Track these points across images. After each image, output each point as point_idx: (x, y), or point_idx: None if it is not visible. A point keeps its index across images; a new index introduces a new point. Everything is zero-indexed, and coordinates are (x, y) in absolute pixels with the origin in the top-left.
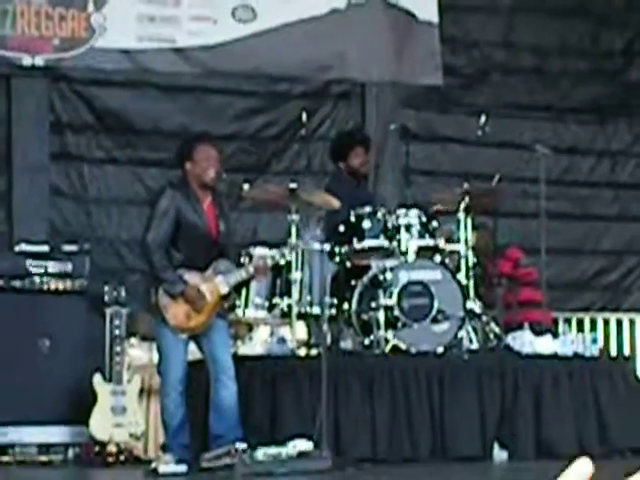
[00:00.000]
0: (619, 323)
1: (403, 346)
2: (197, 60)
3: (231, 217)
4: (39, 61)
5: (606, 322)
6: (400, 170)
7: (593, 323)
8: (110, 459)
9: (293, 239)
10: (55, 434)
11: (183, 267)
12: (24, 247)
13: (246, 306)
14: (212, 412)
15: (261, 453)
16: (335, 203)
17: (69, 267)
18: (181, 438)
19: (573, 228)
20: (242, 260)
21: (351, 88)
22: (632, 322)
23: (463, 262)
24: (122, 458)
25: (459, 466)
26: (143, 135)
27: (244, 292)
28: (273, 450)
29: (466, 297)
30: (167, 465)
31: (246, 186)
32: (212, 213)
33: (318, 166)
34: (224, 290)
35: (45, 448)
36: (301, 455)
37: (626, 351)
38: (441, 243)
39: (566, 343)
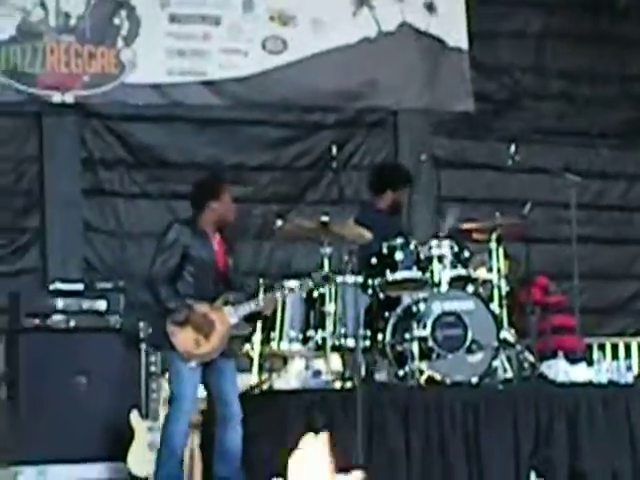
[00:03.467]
0: None
1: (438, 377)
2: (228, 92)
3: (238, 251)
4: (69, 98)
5: None
6: (433, 198)
7: (627, 348)
8: None
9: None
10: (94, 471)
11: (192, 299)
12: (59, 286)
13: (280, 339)
14: (218, 455)
15: None
16: (367, 235)
17: (104, 305)
18: (178, 469)
19: (606, 253)
20: (251, 292)
21: (383, 116)
22: None
23: (496, 291)
24: None
25: None
26: (175, 168)
27: (278, 325)
28: None
29: (499, 326)
30: None
31: (279, 222)
32: (221, 249)
33: (352, 195)
34: (233, 320)
35: None
36: None
37: None
38: (474, 273)
39: (601, 371)
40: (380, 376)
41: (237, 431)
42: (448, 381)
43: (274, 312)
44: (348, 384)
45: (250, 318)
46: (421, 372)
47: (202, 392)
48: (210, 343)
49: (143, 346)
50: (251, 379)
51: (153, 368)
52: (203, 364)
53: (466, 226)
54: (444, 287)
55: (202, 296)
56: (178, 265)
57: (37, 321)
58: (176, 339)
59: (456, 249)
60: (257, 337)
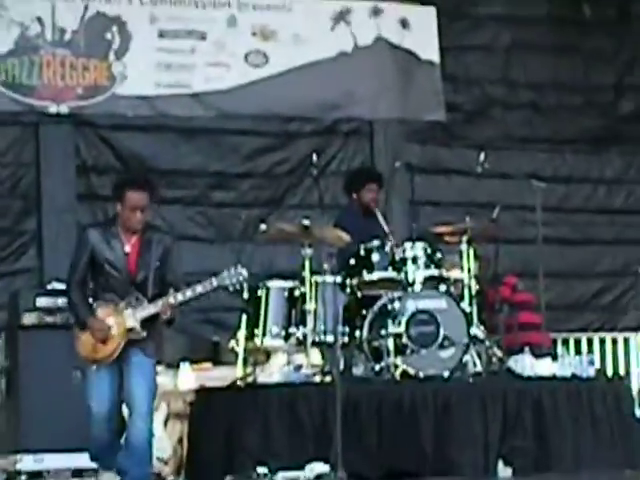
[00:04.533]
0: (614, 342)
1: (411, 371)
2: (212, 104)
3: (174, 253)
4: (64, 109)
5: (602, 341)
6: (407, 202)
7: (590, 343)
8: None
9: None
10: (87, 460)
11: (99, 300)
12: (55, 285)
13: (264, 335)
14: (124, 448)
15: (280, 477)
16: (346, 238)
17: None
18: (106, 462)
19: (571, 253)
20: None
21: (360, 125)
22: (626, 341)
23: (466, 290)
24: None
25: None
26: (163, 175)
27: (262, 321)
28: (292, 474)
29: (470, 323)
30: None
31: (262, 226)
32: (135, 251)
33: (330, 200)
34: (130, 323)
35: (78, 472)
36: (318, 478)
37: (621, 368)
38: (446, 273)
39: (564, 365)
40: (357, 370)
41: (139, 427)
42: (421, 375)
43: (258, 309)
44: (327, 378)
45: (149, 320)
46: (396, 367)
47: (192, 384)
48: (106, 347)
49: None
50: (236, 373)
51: None
52: (118, 365)
53: (438, 229)
54: (418, 287)
55: (109, 296)
56: (88, 267)
57: (35, 318)
58: (78, 344)
59: (429, 251)
60: (242, 333)
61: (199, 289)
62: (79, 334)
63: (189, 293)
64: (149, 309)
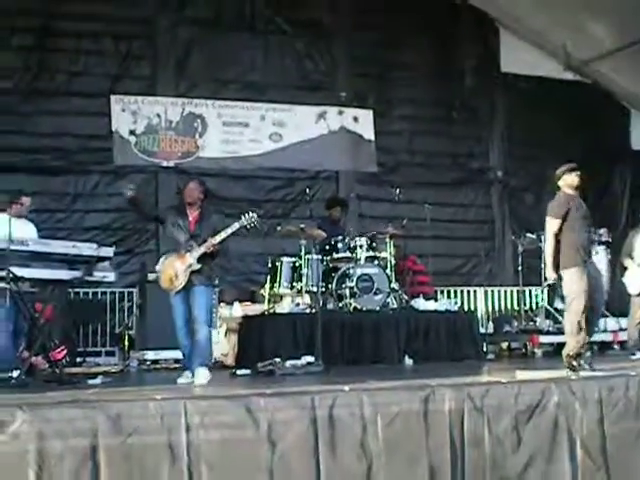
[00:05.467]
0: (468, 292)
1: (359, 306)
2: (251, 162)
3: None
4: (171, 164)
5: (462, 292)
6: (357, 216)
7: (455, 292)
8: (210, 365)
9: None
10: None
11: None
12: None
13: (279, 286)
14: (194, 347)
15: (288, 363)
16: (323, 235)
17: None
18: (189, 360)
19: (444, 244)
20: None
21: (331, 174)
22: (475, 292)
23: (389, 263)
24: (217, 365)
25: (386, 367)
26: (225, 200)
27: (278, 279)
28: (294, 361)
29: (390, 281)
30: (187, 378)
31: (278, 227)
32: (194, 219)
33: (315, 214)
34: (190, 261)
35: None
36: (308, 364)
37: (472, 306)
38: (378, 254)
39: (442, 304)
40: (330, 306)
41: (201, 333)
42: (364, 309)
43: (275, 273)
44: (314, 310)
45: (202, 257)
46: (351, 304)
47: (240, 313)
48: (178, 280)
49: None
50: (264, 307)
51: (214, 300)
52: (187, 292)
53: (374, 230)
54: (362, 261)
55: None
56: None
57: (154, 277)
58: (161, 280)
59: (368, 242)
60: (267, 285)
61: (229, 231)
62: (163, 271)
63: (223, 234)
64: (200, 250)
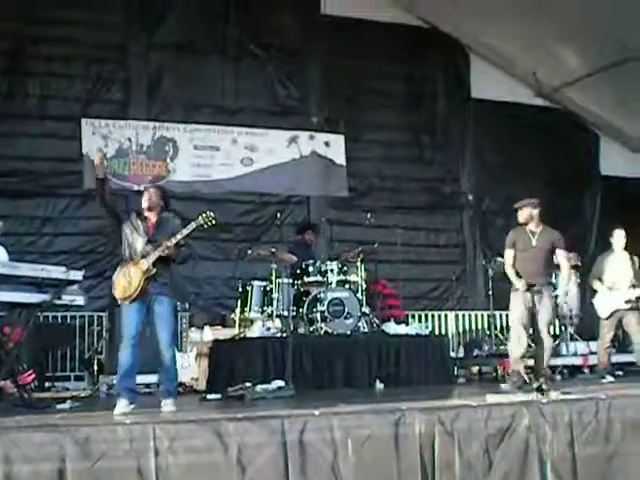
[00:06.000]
0: (439, 316)
1: (330, 330)
2: (222, 186)
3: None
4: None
5: (432, 316)
6: (328, 240)
7: (426, 317)
8: (180, 390)
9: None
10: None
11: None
12: None
13: (250, 311)
14: (160, 370)
15: (258, 388)
16: (294, 259)
17: None
18: (128, 382)
19: (416, 268)
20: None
21: (302, 199)
22: (446, 316)
23: (359, 287)
24: (187, 390)
25: (357, 391)
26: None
27: (249, 303)
28: (264, 386)
29: (361, 305)
30: (124, 407)
31: (249, 251)
32: (152, 225)
33: (286, 239)
34: (144, 267)
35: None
36: (279, 388)
37: (442, 330)
38: (349, 277)
39: (413, 328)
40: (301, 330)
41: (167, 357)
42: (335, 333)
43: (246, 297)
44: (285, 334)
45: (158, 261)
46: (322, 328)
47: (210, 337)
48: (132, 287)
49: (179, 314)
50: (235, 331)
51: (184, 325)
52: (144, 303)
53: (345, 254)
54: (333, 285)
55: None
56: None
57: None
58: (114, 289)
59: (339, 266)
60: (238, 310)
61: (185, 232)
62: (116, 280)
63: (179, 236)
64: (155, 253)
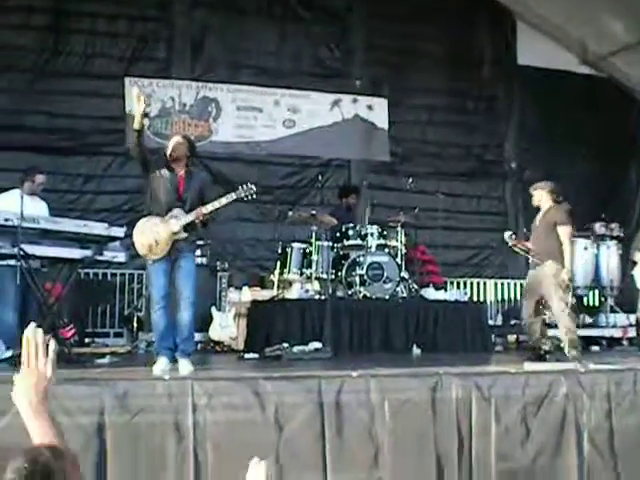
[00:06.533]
0: (478, 284)
1: (369, 295)
2: (264, 148)
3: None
4: None
5: (471, 284)
6: (369, 204)
7: (465, 283)
8: (218, 349)
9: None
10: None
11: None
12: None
13: (289, 272)
14: (176, 328)
15: (295, 349)
16: (334, 222)
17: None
18: (166, 342)
19: (456, 234)
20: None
21: (343, 162)
22: (485, 283)
23: (399, 252)
24: (225, 349)
25: (394, 355)
26: (235, 185)
27: (288, 265)
28: (301, 347)
29: (400, 270)
30: (163, 365)
31: (290, 213)
32: (181, 178)
33: (327, 202)
34: (175, 229)
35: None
36: (316, 350)
37: (481, 297)
38: (389, 242)
39: (451, 294)
40: (339, 293)
41: (187, 314)
42: (374, 297)
43: (286, 258)
44: (323, 297)
45: (189, 225)
46: (360, 292)
47: (249, 298)
48: (159, 247)
49: (219, 273)
50: (273, 293)
51: (223, 284)
52: (170, 262)
53: (388, 219)
54: (373, 249)
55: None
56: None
57: None
58: (137, 246)
59: (380, 230)
60: (277, 271)
61: (223, 201)
62: (135, 239)
63: (217, 204)
64: (187, 218)
